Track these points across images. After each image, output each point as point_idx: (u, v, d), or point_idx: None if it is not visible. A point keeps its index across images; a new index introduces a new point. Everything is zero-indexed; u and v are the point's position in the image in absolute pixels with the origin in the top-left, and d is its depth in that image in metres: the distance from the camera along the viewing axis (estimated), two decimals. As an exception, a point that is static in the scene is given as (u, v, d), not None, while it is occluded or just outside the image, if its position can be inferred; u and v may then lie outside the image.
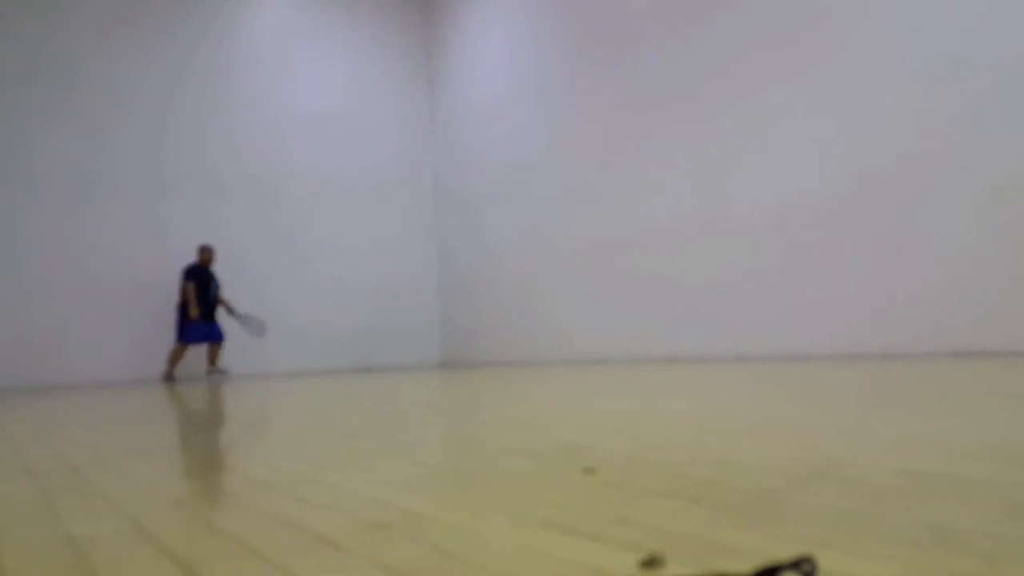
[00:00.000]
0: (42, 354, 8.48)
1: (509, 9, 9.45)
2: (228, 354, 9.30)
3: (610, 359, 7.92)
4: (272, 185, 9.97)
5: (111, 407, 3.86)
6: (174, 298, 9.14)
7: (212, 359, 8.53)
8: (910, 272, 5.34)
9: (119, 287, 8.94)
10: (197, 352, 9.07)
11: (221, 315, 9.04)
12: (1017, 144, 4.77)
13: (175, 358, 8.27)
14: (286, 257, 9.84)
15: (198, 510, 1.05)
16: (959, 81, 5.07)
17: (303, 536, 0.86)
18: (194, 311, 8.20)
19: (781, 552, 0.69)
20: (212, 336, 8.43)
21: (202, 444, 1.93)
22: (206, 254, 8.47)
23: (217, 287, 8.55)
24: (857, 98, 5.66)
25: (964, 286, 5.04)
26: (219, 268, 9.38)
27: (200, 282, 8.35)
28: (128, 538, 0.90)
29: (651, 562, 0.67)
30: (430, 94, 11.26)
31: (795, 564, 0.56)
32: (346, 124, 10.58)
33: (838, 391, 2.53)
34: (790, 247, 6.15)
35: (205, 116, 9.63)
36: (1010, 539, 0.69)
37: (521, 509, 0.94)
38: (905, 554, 0.66)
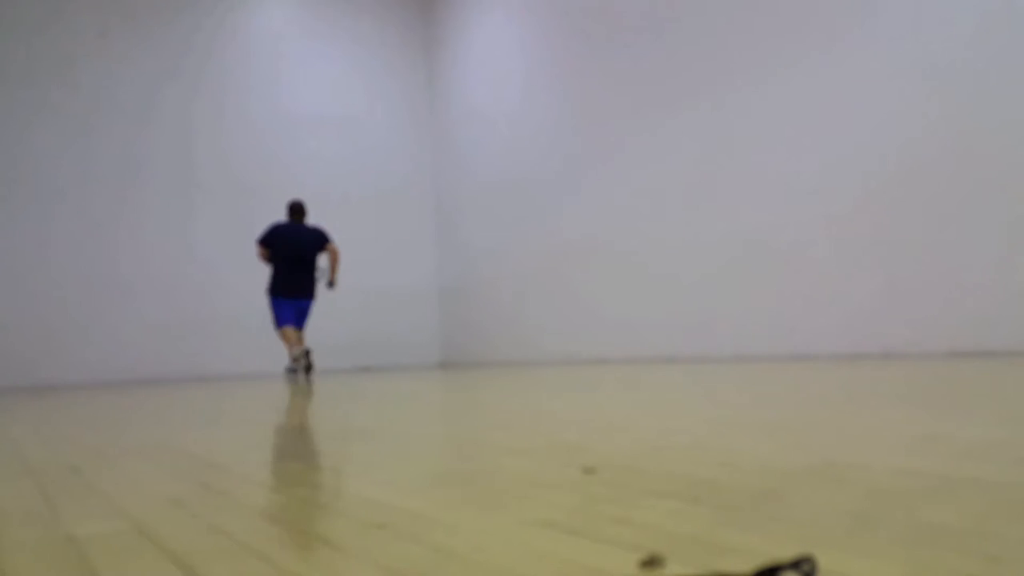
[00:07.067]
0: (41, 354, 8.48)
1: (510, 10, 9.45)
2: (230, 353, 9.30)
3: (610, 359, 7.92)
4: (271, 187, 9.97)
5: (111, 407, 3.86)
6: (171, 298, 9.16)
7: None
8: (910, 272, 5.34)
9: (118, 287, 8.94)
10: (193, 350, 9.07)
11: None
12: (1016, 142, 4.77)
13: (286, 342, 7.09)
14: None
15: (198, 510, 1.05)
16: (960, 80, 5.07)
17: (303, 536, 0.86)
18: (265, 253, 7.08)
19: (781, 552, 0.69)
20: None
21: (202, 444, 1.92)
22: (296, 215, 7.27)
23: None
24: (858, 97, 5.66)
25: (964, 286, 5.04)
26: (222, 271, 9.38)
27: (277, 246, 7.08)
28: (128, 538, 0.90)
29: (651, 562, 0.67)
30: (430, 96, 11.26)
31: (795, 564, 0.56)
32: (345, 126, 10.57)
33: (838, 391, 2.53)
34: (790, 247, 6.15)
35: (204, 116, 9.62)
36: (1010, 539, 0.69)
37: (521, 509, 0.94)
38: (905, 554, 0.66)
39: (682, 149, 7.08)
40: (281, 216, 9.90)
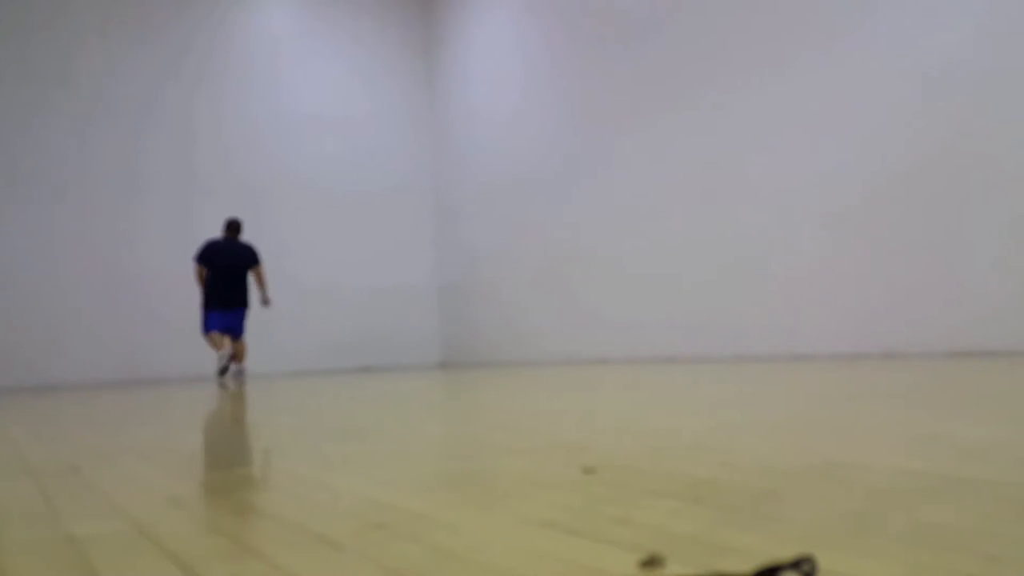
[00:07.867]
0: (42, 354, 8.48)
1: (510, 10, 9.44)
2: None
3: (610, 359, 7.92)
4: (271, 187, 9.97)
5: (111, 407, 3.86)
6: (172, 298, 9.15)
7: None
8: (911, 272, 5.34)
9: (119, 287, 8.94)
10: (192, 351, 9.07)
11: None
12: (1016, 142, 4.77)
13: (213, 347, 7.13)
14: (287, 259, 9.83)
15: (198, 510, 1.05)
16: (960, 80, 5.07)
17: (303, 536, 0.86)
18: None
19: (781, 552, 0.69)
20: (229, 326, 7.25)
21: (202, 444, 1.93)
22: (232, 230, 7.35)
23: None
24: (858, 97, 5.66)
25: (965, 286, 5.04)
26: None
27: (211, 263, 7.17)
28: (128, 538, 0.90)
29: (651, 562, 0.67)
30: (430, 96, 11.26)
31: (795, 564, 0.56)
32: (345, 126, 10.57)
33: (838, 391, 2.53)
34: (790, 247, 6.15)
35: (204, 116, 9.62)
36: (1010, 539, 0.69)
37: (521, 509, 0.94)
38: (905, 554, 0.66)
39: (682, 149, 7.08)
40: (286, 218, 9.91)
